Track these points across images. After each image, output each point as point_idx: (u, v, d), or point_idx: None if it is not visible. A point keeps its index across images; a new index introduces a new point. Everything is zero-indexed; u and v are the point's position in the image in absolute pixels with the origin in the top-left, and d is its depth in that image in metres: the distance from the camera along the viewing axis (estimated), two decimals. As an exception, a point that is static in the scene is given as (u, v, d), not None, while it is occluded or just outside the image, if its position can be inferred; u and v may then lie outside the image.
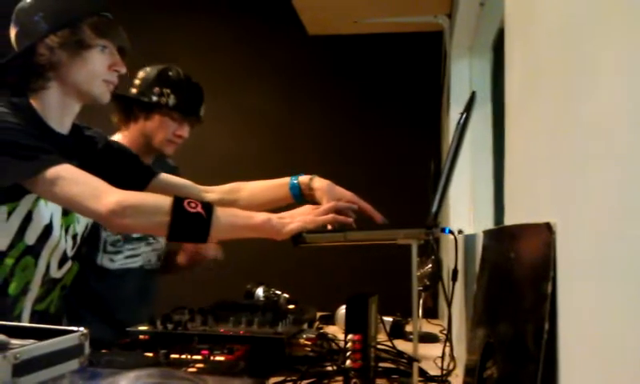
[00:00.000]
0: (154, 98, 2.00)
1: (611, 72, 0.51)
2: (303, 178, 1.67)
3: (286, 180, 1.69)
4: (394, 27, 3.26)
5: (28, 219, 1.44)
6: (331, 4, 2.91)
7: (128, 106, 2.04)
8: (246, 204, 1.67)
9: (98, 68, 1.48)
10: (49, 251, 1.50)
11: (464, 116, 1.34)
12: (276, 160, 3.59)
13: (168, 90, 2.00)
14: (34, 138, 1.36)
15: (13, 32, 1.47)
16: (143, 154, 2.06)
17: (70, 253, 1.57)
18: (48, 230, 1.48)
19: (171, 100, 2.00)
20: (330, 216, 1.41)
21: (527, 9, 0.88)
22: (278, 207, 1.57)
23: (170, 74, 2.04)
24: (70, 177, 1.33)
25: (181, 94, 2.02)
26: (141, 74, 2.06)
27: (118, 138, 2.08)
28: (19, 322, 1.44)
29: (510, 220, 0.96)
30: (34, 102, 1.46)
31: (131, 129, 2.06)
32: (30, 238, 1.45)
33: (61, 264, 1.55)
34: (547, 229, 0.67)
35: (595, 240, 0.54)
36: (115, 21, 1.51)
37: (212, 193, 1.73)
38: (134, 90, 2.04)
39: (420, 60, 3.65)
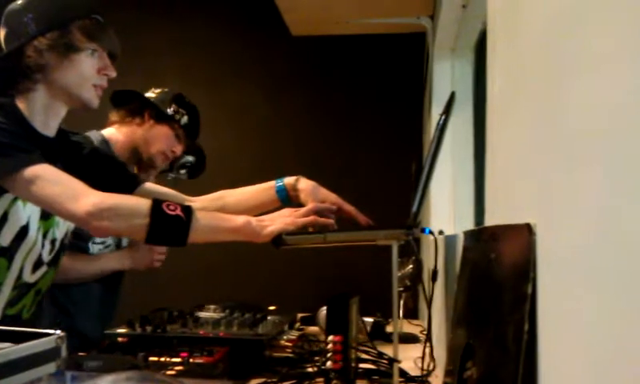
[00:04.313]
0: (170, 112, 2.15)
1: (593, 73, 0.51)
2: (289, 180, 1.64)
3: (272, 183, 1.66)
4: (376, 28, 3.26)
5: (4, 219, 1.41)
6: (314, 5, 2.90)
7: (141, 107, 2.13)
8: (233, 210, 1.63)
9: (87, 72, 1.45)
10: (23, 254, 1.47)
11: (443, 117, 1.35)
12: (258, 160, 3.57)
13: (184, 111, 2.18)
14: (14, 136, 1.34)
15: (2, 33, 1.45)
16: (126, 159, 2.07)
17: (46, 257, 1.54)
18: (24, 231, 1.45)
19: (184, 119, 2.18)
20: (311, 218, 1.39)
21: (510, 10, 0.88)
22: (265, 212, 1.55)
23: (187, 100, 2.24)
24: (48, 177, 1.30)
25: (191, 120, 2.22)
26: (159, 90, 2.21)
27: (110, 131, 2.09)
28: None
29: (490, 221, 0.97)
30: (19, 103, 1.43)
31: (132, 128, 2.12)
32: (5, 238, 1.42)
33: (35, 268, 1.51)
34: (527, 230, 0.67)
35: (575, 241, 0.54)
36: (106, 24, 1.49)
37: (196, 202, 1.70)
38: (151, 95, 2.16)
39: (403, 61, 3.65)
